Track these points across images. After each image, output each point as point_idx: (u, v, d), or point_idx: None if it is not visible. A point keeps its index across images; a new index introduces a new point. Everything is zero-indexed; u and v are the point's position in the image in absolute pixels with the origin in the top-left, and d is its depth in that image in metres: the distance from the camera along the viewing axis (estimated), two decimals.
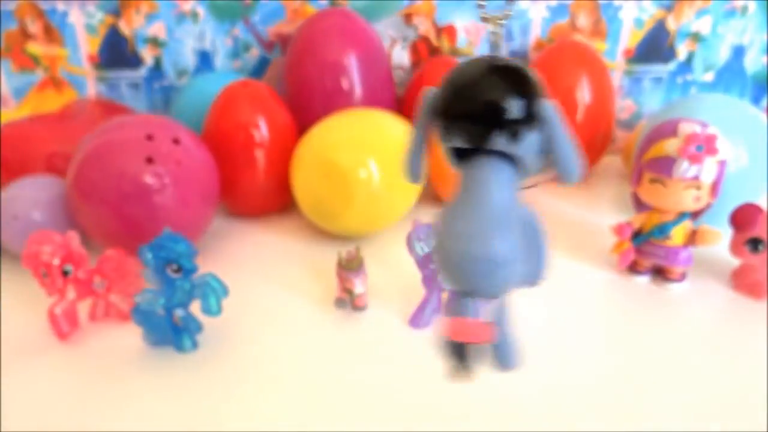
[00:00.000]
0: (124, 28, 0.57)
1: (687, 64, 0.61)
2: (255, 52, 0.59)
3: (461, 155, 0.20)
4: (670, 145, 0.35)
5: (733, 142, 0.39)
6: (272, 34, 0.59)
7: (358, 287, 0.35)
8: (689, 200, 0.36)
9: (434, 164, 0.52)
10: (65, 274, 0.33)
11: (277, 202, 0.49)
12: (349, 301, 0.35)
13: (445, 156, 0.21)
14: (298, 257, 0.43)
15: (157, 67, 0.59)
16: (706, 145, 0.34)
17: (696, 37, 0.60)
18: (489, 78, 0.19)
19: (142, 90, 0.60)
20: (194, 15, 0.57)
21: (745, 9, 0.58)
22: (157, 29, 0.58)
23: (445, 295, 0.35)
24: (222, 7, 0.57)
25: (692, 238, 0.38)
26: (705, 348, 0.32)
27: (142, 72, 0.59)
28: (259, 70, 0.60)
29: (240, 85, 0.46)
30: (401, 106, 0.57)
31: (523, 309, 0.36)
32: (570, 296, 0.37)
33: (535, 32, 0.60)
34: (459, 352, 0.22)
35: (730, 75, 0.61)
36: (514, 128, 0.19)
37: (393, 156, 0.43)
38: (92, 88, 0.60)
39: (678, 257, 0.38)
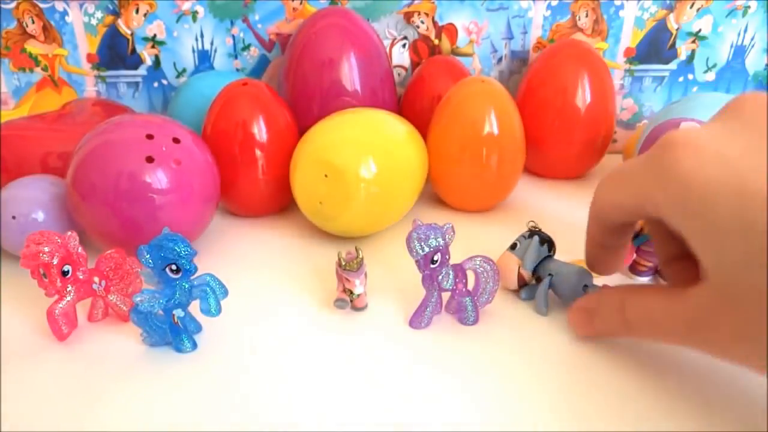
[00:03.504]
0: (124, 27, 0.57)
1: (688, 64, 0.61)
2: (255, 52, 0.59)
3: None
4: None
5: None
6: (272, 33, 0.59)
7: (358, 287, 0.35)
8: None
9: (434, 164, 0.52)
10: (64, 274, 0.33)
11: (276, 201, 0.49)
12: (349, 301, 0.35)
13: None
14: (298, 257, 0.43)
15: (157, 67, 0.59)
16: None
17: (697, 37, 0.60)
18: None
19: (141, 89, 0.60)
20: (194, 14, 0.57)
21: (746, 9, 0.58)
22: (157, 28, 0.58)
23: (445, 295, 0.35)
24: (221, 6, 0.57)
25: None
26: None
27: (141, 71, 0.59)
28: (259, 69, 0.60)
29: (240, 84, 0.46)
30: (401, 106, 0.57)
31: (524, 309, 0.36)
32: None
33: (536, 32, 0.60)
34: None
35: (732, 74, 0.61)
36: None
37: (393, 156, 0.43)
38: (91, 88, 0.60)
39: None
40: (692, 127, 0.25)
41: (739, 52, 0.60)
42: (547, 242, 0.36)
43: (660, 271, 0.39)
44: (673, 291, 0.26)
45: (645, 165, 0.26)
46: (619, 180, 0.28)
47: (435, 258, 0.32)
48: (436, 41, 0.60)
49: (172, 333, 0.32)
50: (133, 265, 0.36)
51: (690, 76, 0.61)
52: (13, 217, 0.39)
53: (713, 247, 0.22)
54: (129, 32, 0.58)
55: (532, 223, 0.37)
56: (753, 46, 0.60)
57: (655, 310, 0.26)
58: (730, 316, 0.22)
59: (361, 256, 0.35)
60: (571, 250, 0.36)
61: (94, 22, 0.57)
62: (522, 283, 0.36)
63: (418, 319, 0.34)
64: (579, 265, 0.35)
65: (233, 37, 0.58)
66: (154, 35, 0.58)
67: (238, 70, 0.60)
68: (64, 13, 0.57)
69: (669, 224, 0.25)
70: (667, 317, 0.25)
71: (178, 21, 0.57)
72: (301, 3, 0.58)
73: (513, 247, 0.37)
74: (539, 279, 0.36)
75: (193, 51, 0.59)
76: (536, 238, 0.36)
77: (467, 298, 0.34)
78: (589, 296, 0.32)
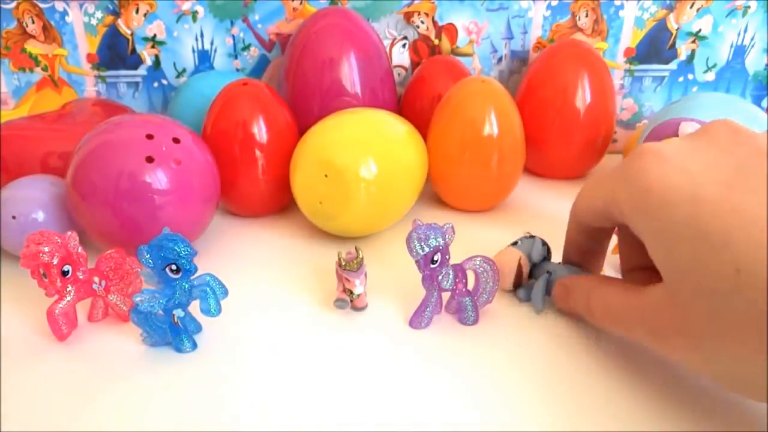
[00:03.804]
0: (124, 27, 0.57)
1: (688, 64, 0.61)
2: (255, 52, 0.59)
3: None
4: None
5: None
6: (272, 33, 0.59)
7: (358, 287, 0.35)
8: None
9: (434, 164, 0.52)
10: (64, 274, 0.33)
11: (276, 201, 0.49)
12: (349, 301, 0.35)
13: None
14: (298, 257, 0.43)
15: (157, 67, 0.59)
16: None
17: (697, 37, 0.60)
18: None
19: (141, 89, 0.60)
20: (194, 14, 0.57)
21: (746, 9, 0.58)
22: (157, 28, 0.58)
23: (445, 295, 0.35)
24: (221, 6, 0.57)
25: None
26: None
27: (141, 71, 0.59)
28: (259, 69, 0.60)
29: (240, 84, 0.46)
30: (401, 106, 0.57)
31: (523, 309, 0.36)
32: None
33: (536, 32, 0.60)
34: None
35: (732, 74, 0.61)
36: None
37: (393, 156, 0.43)
38: (91, 88, 0.60)
39: None
40: (663, 141, 0.27)
41: (739, 52, 0.60)
42: (546, 247, 0.37)
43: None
44: (632, 287, 0.28)
45: (616, 171, 0.28)
46: (595, 184, 0.31)
47: (435, 258, 0.32)
48: (436, 41, 0.60)
49: (172, 333, 0.32)
50: (133, 265, 0.36)
51: (690, 76, 0.61)
52: (13, 217, 0.39)
53: (666, 249, 0.24)
54: (129, 32, 0.58)
55: (528, 233, 0.38)
56: (753, 46, 0.60)
57: (613, 303, 0.29)
58: (677, 314, 0.24)
59: (361, 256, 0.35)
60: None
61: (94, 22, 0.57)
62: (517, 283, 0.36)
63: (418, 319, 0.34)
64: (574, 267, 0.35)
65: (233, 37, 0.58)
66: (154, 35, 0.58)
67: (238, 70, 0.60)
68: (64, 13, 0.57)
69: (630, 227, 0.27)
70: (623, 310, 0.28)
71: (178, 21, 0.57)
72: (301, 3, 0.58)
73: (514, 244, 0.37)
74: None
75: (193, 51, 0.59)
76: (538, 238, 0.36)
77: (467, 298, 0.34)
78: (571, 276, 0.34)
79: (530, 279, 0.37)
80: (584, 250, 0.35)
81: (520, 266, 0.36)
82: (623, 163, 0.28)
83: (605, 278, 0.32)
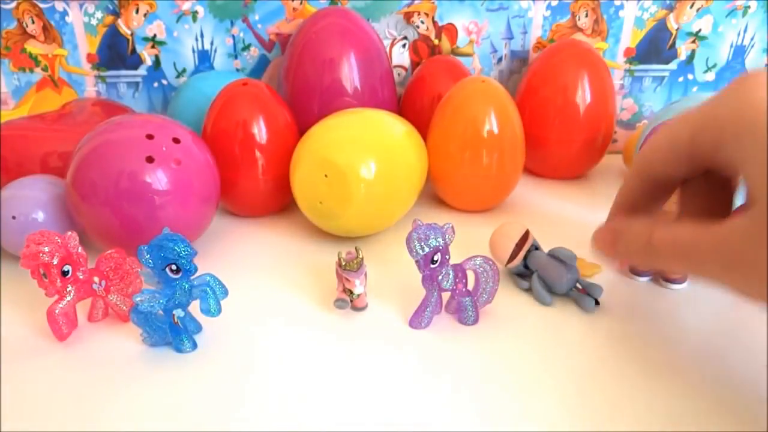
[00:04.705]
0: (124, 27, 0.57)
1: (688, 64, 0.61)
2: (255, 52, 0.59)
3: None
4: None
5: None
6: (272, 33, 0.59)
7: (358, 287, 0.35)
8: None
9: (434, 164, 0.52)
10: (64, 274, 0.33)
11: (276, 201, 0.49)
12: (349, 301, 0.35)
13: None
14: (298, 257, 0.43)
15: (157, 67, 0.59)
16: None
17: (697, 37, 0.60)
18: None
19: (141, 89, 0.60)
20: (194, 14, 0.57)
21: (746, 9, 0.58)
22: (157, 28, 0.58)
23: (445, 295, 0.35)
24: (221, 6, 0.57)
25: None
26: (706, 348, 0.32)
27: (141, 71, 0.59)
28: (259, 69, 0.60)
29: (240, 84, 0.46)
30: (401, 106, 0.57)
31: (523, 308, 0.36)
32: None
33: (536, 32, 0.60)
34: None
35: (732, 74, 0.61)
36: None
37: (393, 156, 0.43)
38: (91, 88, 0.60)
39: None
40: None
41: (739, 52, 0.60)
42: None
43: (661, 271, 0.39)
44: (705, 222, 0.25)
45: (713, 97, 0.26)
46: (678, 119, 0.28)
47: (435, 258, 0.32)
48: (436, 41, 0.60)
49: (172, 333, 0.32)
50: (133, 265, 0.36)
51: (690, 76, 0.61)
52: (13, 217, 0.39)
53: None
54: (129, 32, 0.58)
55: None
56: (753, 46, 0.60)
57: (684, 235, 0.26)
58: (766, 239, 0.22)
59: (361, 256, 0.35)
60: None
61: (94, 22, 0.57)
62: (515, 254, 0.37)
63: (418, 319, 0.34)
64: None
65: (233, 37, 0.58)
66: (154, 35, 0.58)
67: (238, 70, 0.60)
68: (64, 13, 0.57)
69: (725, 152, 0.25)
70: (695, 242, 0.25)
71: (178, 21, 0.57)
72: (301, 3, 0.58)
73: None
74: (527, 266, 0.37)
75: (193, 51, 0.59)
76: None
77: (467, 298, 0.34)
78: (620, 219, 0.31)
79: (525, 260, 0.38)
80: (638, 207, 0.31)
81: (526, 235, 0.37)
82: (722, 90, 0.25)
83: (665, 216, 0.29)
